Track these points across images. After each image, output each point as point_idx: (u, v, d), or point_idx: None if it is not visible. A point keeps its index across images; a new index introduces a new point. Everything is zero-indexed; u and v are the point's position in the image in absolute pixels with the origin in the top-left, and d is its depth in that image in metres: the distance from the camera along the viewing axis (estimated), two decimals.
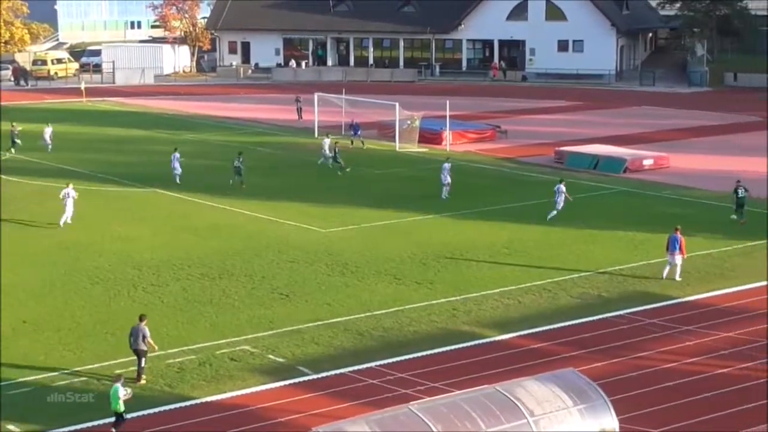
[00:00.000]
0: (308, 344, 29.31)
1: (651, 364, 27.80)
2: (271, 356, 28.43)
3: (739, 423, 24.18)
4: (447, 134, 64.45)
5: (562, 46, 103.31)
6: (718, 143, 66.45)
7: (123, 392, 23.29)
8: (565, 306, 32.83)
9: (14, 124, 62.27)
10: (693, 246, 36.40)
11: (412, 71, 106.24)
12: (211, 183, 51.80)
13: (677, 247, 35.15)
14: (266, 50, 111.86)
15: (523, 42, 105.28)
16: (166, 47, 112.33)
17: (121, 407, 23.35)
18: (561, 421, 20.33)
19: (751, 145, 64.16)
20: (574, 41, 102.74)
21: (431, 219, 44.53)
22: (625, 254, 38.69)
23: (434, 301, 33.04)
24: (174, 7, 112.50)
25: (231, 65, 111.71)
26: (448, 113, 64.63)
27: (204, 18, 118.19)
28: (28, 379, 26.70)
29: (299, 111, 76.29)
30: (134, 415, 24.09)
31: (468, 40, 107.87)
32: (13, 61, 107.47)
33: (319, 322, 30.99)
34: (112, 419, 23.63)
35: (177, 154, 52.31)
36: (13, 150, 59.92)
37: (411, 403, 20.85)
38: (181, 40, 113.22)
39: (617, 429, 21.00)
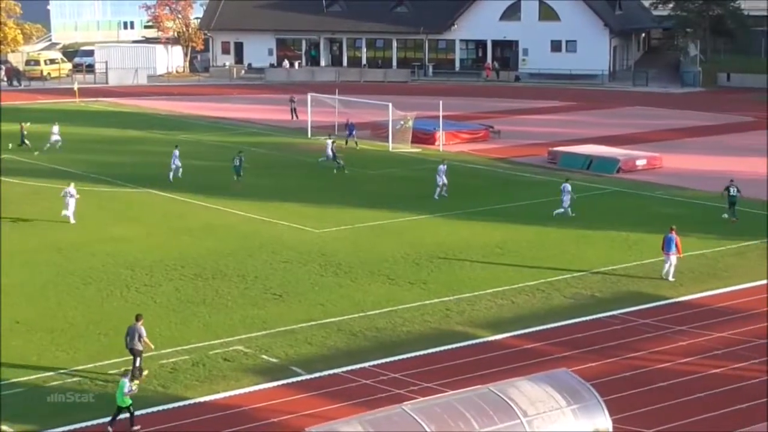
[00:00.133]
0: (301, 344, 29.29)
1: (644, 365, 27.82)
2: (264, 356, 28.41)
3: (733, 423, 24.20)
4: (440, 134, 64.45)
5: (555, 46, 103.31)
6: (711, 143, 66.52)
7: (128, 387, 23.49)
8: (558, 306, 32.84)
9: (23, 123, 62.93)
10: (686, 246, 36.42)
11: (405, 71, 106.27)
12: (205, 183, 51.75)
13: (673, 247, 35.19)
14: (259, 50, 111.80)
15: (516, 42, 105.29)
16: (159, 47, 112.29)
17: (126, 401, 23.53)
18: (554, 421, 20.34)
19: (744, 146, 64.27)
20: (567, 41, 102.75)
21: (424, 219, 44.54)
22: (619, 254, 38.72)
23: (427, 302, 33.03)
24: (167, 8, 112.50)
25: (224, 65, 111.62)
26: (441, 113, 64.64)
27: (197, 18, 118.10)
28: (21, 379, 26.66)
29: (294, 111, 76.28)
30: (127, 415, 24.02)
31: (461, 40, 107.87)
32: (5, 62, 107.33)
33: (313, 323, 30.97)
34: (108, 418, 23.76)
35: (177, 152, 52.65)
36: (23, 143, 60.97)
37: (404, 403, 20.86)
38: (174, 41, 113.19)
39: (610, 429, 21.02)
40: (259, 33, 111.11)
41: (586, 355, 28.45)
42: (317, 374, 27.13)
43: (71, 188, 43.42)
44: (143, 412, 24.60)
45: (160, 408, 25.05)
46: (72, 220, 42.96)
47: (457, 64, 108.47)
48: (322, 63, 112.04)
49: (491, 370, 26.81)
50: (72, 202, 43.12)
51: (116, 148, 63.79)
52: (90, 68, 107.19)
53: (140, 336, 26.51)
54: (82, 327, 30.50)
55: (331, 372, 27.28)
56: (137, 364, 26.51)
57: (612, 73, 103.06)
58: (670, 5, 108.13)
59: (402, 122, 64.63)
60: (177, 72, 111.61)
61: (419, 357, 28.39)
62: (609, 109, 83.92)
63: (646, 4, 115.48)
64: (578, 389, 21.19)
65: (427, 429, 19.30)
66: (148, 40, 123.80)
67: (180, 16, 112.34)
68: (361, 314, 31.76)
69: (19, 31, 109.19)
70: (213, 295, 33.63)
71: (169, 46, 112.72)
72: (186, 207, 46.99)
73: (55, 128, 62.10)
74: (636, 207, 47.26)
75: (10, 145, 61.13)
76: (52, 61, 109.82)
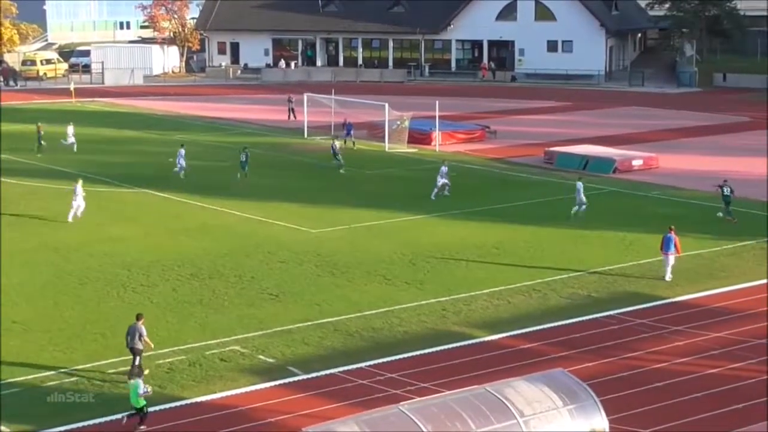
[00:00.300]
0: (298, 344, 29.29)
1: (641, 365, 27.83)
2: (261, 356, 28.42)
3: (730, 423, 24.22)
4: (436, 135, 64.48)
5: (552, 46, 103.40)
6: (708, 143, 66.57)
7: (143, 389, 23.51)
8: (555, 306, 32.85)
9: (40, 124, 62.60)
10: (683, 246, 36.39)
11: (401, 71, 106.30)
12: (202, 183, 51.76)
13: (672, 247, 35.22)
14: (255, 51, 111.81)
15: (512, 42, 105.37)
16: (156, 48, 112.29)
17: (141, 402, 23.54)
18: (551, 421, 20.35)
19: (740, 146, 64.34)
20: (563, 41, 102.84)
21: (421, 219, 44.55)
22: (615, 254, 38.74)
23: (424, 302, 33.04)
24: (163, 8, 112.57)
25: (220, 66, 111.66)
26: (437, 114, 64.64)
27: (193, 18, 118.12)
28: (19, 379, 26.65)
29: (291, 111, 76.28)
30: (124, 414, 24.02)
31: (457, 40, 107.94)
32: (1, 62, 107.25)
33: (309, 323, 30.98)
34: (107, 418, 23.84)
35: (182, 151, 53.05)
36: (40, 144, 60.68)
37: (401, 403, 20.85)
38: (171, 41, 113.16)
39: (607, 429, 21.03)
40: (255, 33, 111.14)
41: (583, 355, 28.47)
42: (314, 374, 27.13)
43: (79, 186, 43.54)
44: None
45: (157, 408, 24.96)
46: (69, 219, 42.91)
47: (454, 64, 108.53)
48: (319, 63, 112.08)
49: (488, 370, 26.81)
50: (76, 201, 43.20)
51: (113, 149, 63.79)
52: (86, 68, 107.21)
53: (141, 335, 26.55)
54: (79, 327, 30.50)
55: (327, 372, 27.28)
56: (137, 362, 26.53)
57: (608, 74, 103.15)
58: (667, 5, 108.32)
59: (398, 122, 64.66)
60: (173, 72, 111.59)
61: (416, 357, 28.39)
62: (605, 109, 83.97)
63: (643, 4, 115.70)
64: (575, 389, 21.20)
65: (424, 429, 19.30)
66: (144, 41, 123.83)
67: (176, 16, 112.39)
68: (357, 314, 31.76)
69: (16, 32, 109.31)
70: (210, 295, 33.63)
71: (166, 47, 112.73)
72: (183, 207, 46.99)
73: (70, 129, 61.75)
74: (632, 207, 47.30)
75: (35, 148, 60.53)
76: (49, 62, 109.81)
